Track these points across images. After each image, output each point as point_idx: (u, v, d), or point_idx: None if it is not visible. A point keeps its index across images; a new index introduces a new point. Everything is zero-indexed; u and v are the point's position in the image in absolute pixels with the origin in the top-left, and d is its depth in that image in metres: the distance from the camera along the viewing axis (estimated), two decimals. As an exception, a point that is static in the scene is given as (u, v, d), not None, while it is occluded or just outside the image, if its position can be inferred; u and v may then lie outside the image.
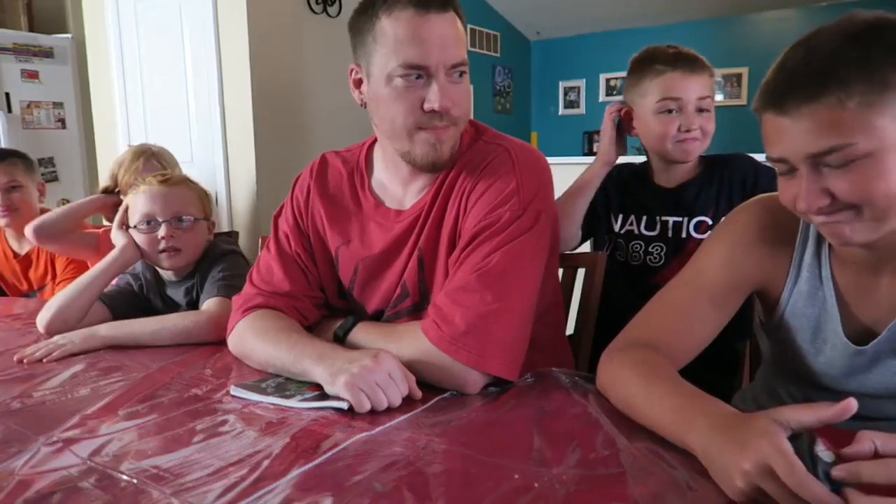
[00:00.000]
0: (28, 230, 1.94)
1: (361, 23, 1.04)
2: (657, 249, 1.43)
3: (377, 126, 1.10)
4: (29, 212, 2.11)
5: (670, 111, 1.36)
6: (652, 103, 1.37)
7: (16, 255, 2.18)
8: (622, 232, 1.48)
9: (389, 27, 0.99)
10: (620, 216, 1.49)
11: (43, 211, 2.16)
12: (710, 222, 1.39)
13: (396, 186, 1.14)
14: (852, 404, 0.62)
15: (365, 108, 1.11)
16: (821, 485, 0.58)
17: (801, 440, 0.62)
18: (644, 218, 1.45)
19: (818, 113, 0.72)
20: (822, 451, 0.60)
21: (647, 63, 1.39)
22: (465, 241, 1.03)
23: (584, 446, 0.77)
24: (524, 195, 1.03)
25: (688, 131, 1.35)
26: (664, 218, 1.43)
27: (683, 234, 1.41)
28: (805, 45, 0.75)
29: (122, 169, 2.00)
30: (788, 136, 0.75)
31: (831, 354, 0.90)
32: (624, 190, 1.50)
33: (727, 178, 1.40)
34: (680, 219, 1.41)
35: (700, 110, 1.36)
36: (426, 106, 1.00)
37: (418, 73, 0.99)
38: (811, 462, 0.60)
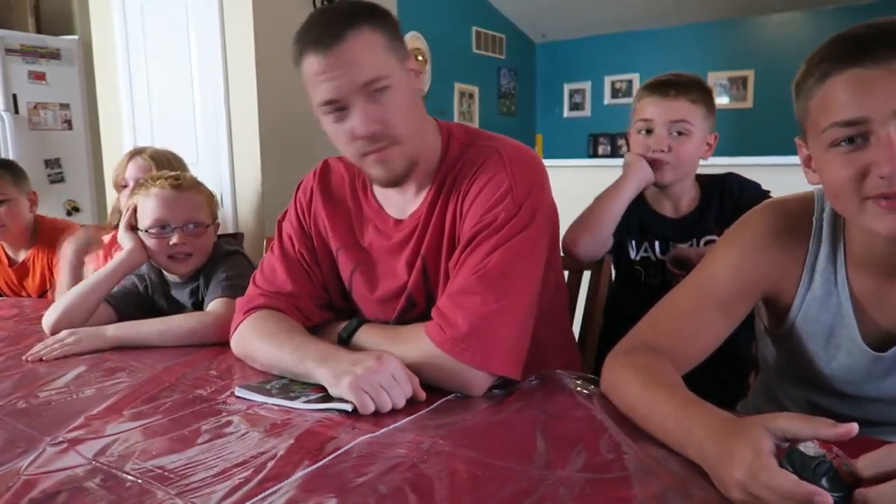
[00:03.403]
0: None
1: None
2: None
3: None
4: (18, 225, 2.05)
5: (645, 132, 1.42)
6: (634, 124, 1.46)
7: (11, 263, 2.13)
8: (638, 259, 1.50)
9: (304, 71, 1.03)
10: (634, 241, 1.50)
11: (37, 218, 2.10)
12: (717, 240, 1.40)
13: (395, 192, 1.14)
14: (854, 429, 0.61)
15: None
16: (807, 486, 0.57)
17: (797, 450, 0.61)
18: (657, 243, 1.48)
19: None
20: (808, 447, 0.60)
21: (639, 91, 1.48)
22: (464, 243, 1.04)
23: (588, 449, 0.77)
24: (518, 194, 1.03)
25: (656, 151, 1.39)
26: (677, 244, 1.46)
27: None
28: (869, 22, 0.73)
29: (117, 168, 2.00)
30: (875, 91, 0.72)
31: (845, 360, 0.89)
32: (637, 215, 1.51)
33: (726, 195, 1.43)
34: (690, 243, 1.44)
35: (674, 133, 1.39)
36: (354, 135, 1.01)
37: (336, 106, 1.00)
38: (801, 463, 0.59)
